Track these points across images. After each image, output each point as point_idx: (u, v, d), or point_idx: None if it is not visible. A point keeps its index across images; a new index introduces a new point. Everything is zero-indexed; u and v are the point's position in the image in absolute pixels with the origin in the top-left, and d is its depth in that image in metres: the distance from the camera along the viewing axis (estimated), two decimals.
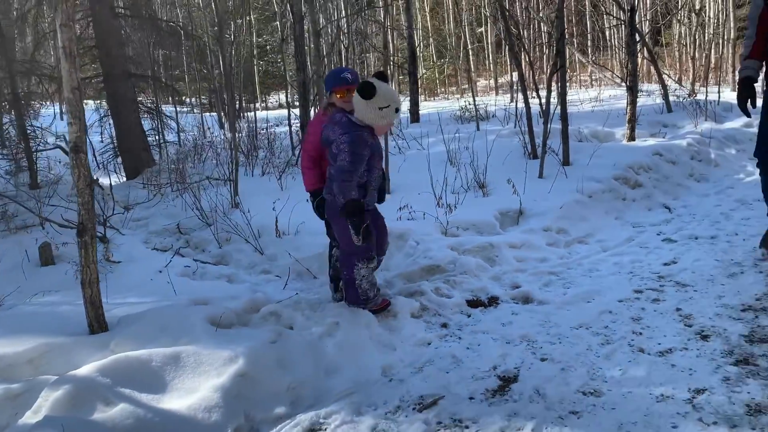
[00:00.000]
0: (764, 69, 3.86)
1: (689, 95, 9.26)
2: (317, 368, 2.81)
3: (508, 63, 16.92)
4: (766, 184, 3.92)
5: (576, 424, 2.39)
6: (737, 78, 4.06)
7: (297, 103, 13.11)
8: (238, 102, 12.30)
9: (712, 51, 12.01)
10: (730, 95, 9.22)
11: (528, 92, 6.78)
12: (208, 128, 10.73)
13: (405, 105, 9.16)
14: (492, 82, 17.57)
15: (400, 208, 4.74)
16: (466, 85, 16.19)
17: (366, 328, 3.14)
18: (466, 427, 2.44)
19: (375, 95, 2.97)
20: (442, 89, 20.11)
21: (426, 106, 13.36)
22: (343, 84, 3.23)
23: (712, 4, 12.75)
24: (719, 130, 7.28)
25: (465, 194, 5.34)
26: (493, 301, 3.64)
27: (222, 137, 10.13)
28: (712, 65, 11.36)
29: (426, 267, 3.97)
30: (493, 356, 2.96)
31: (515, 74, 13.74)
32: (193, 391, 2.53)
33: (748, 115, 3.99)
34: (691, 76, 10.58)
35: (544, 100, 6.14)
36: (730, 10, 12.43)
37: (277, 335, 2.92)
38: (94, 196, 3.03)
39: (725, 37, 12.11)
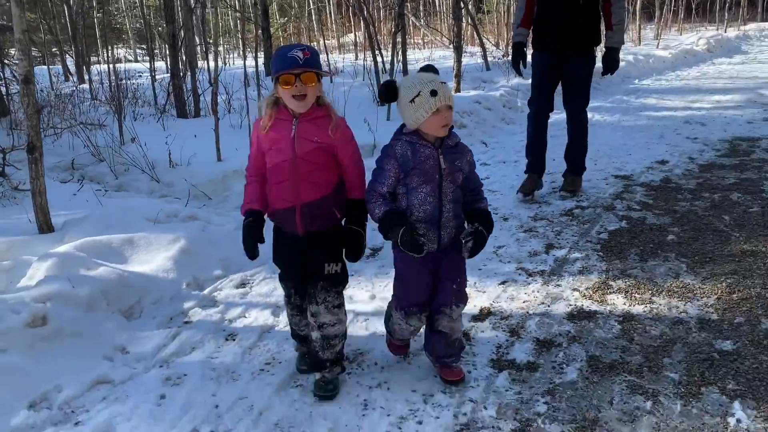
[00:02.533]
0: (531, 35, 4.69)
1: (503, 56, 10.98)
2: (238, 247, 3.77)
3: (352, 24, 17.99)
4: (532, 135, 4.78)
5: None
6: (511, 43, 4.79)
7: (147, 58, 13.15)
8: (83, 54, 12.18)
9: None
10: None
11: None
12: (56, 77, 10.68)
13: (255, 60, 9.88)
14: (335, 41, 18.57)
15: None
16: (314, 44, 17.06)
17: None
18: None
19: (398, 93, 2.28)
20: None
21: None
22: (293, 65, 2.15)
23: None
24: (525, 83, 8.97)
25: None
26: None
27: (75, 87, 10.21)
28: None
29: None
30: None
31: (359, 34, 14.84)
32: (150, 262, 3.40)
33: (521, 75, 4.87)
34: (505, 40, 12.41)
35: (387, 58, 7.32)
36: None
37: (204, 226, 3.83)
38: (40, 121, 3.67)
39: None
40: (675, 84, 11.05)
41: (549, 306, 3.15)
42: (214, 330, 2.99)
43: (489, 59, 10.51)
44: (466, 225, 2.43)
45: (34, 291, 2.81)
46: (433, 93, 2.20)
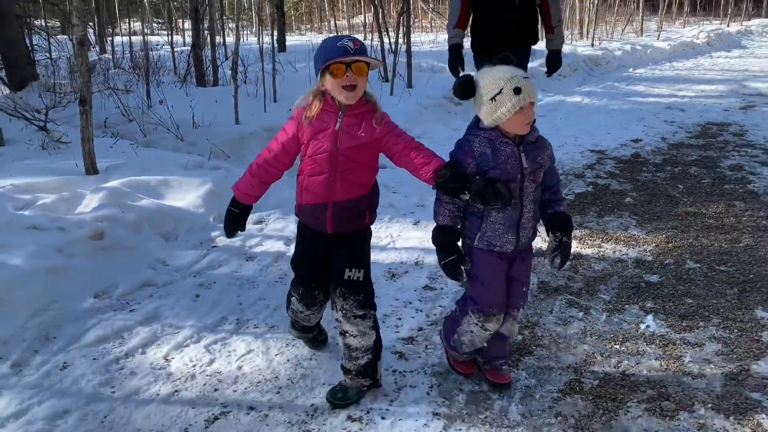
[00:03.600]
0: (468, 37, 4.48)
1: None
2: None
3: (362, 5, 18.50)
4: None
5: None
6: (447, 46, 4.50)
7: (162, 31, 13.65)
8: (103, 25, 12.78)
9: None
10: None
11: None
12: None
13: (270, 37, 10.45)
14: (345, 22, 19.09)
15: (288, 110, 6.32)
16: (324, 23, 17.61)
17: None
18: None
19: (476, 89, 2.12)
20: (297, 26, 21.30)
21: (290, 39, 14.66)
22: (344, 54, 2.05)
23: None
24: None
25: None
26: None
27: (98, 57, 10.82)
28: None
29: None
30: None
31: (369, 15, 15.36)
32: (182, 199, 4.05)
33: (458, 77, 4.43)
34: None
35: (393, 39, 7.90)
36: None
37: (226, 173, 4.47)
38: (90, 78, 4.30)
39: None
40: (667, 74, 11.59)
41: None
42: (237, 253, 3.65)
43: None
44: (544, 230, 2.32)
45: (92, 213, 3.47)
46: (517, 90, 2.02)
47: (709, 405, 2.33)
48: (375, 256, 2.90)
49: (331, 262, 2.30)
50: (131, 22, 16.24)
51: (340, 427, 2.24)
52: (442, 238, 2.19)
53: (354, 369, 2.32)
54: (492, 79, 2.07)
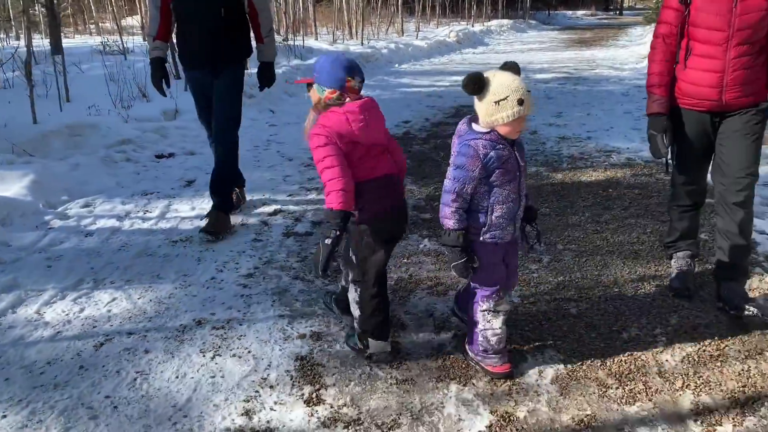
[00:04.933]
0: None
1: (284, 41, 12.37)
2: (77, 181, 4.72)
3: (138, 4, 18.05)
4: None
5: None
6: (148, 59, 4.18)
7: None
8: None
9: (295, 8, 15.49)
10: (311, 42, 12.71)
11: None
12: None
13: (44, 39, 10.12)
14: (115, 24, 18.47)
15: (88, 107, 6.50)
16: (90, 26, 16.93)
17: None
18: None
19: (485, 88, 2.26)
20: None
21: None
22: (355, 74, 2.46)
23: None
24: (304, 63, 10.47)
25: (134, 101, 7.28)
26: (171, 155, 5.89)
27: None
28: (299, 19, 14.83)
29: (120, 140, 5.95)
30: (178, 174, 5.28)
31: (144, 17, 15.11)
32: (8, 190, 4.25)
33: (164, 95, 4.14)
34: (285, 27, 13.86)
35: None
36: None
37: (43, 166, 4.69)
38: None
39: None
40: (427, 68, 13.37)
41: (323, 205, 4.63)
42: (74, 232, 4.01)
43: None
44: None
45: None
46: (520, 102, 2.22)
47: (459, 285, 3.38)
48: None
49: None
50: None
51: (208, 334, 2.88)
52: (455, 241, 2.38)
53: None
54: (502, 84, 2.24)
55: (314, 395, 2.46)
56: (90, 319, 3.00)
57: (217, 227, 3.98)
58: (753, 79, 2.96)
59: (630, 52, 15.83)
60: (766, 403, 2.39)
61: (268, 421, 2.31)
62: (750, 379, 2.53)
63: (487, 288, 2.51)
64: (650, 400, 2.42)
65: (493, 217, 2.40)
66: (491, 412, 2.35)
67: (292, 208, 4.57)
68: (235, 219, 4.30)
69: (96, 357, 2.71)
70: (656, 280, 3.40)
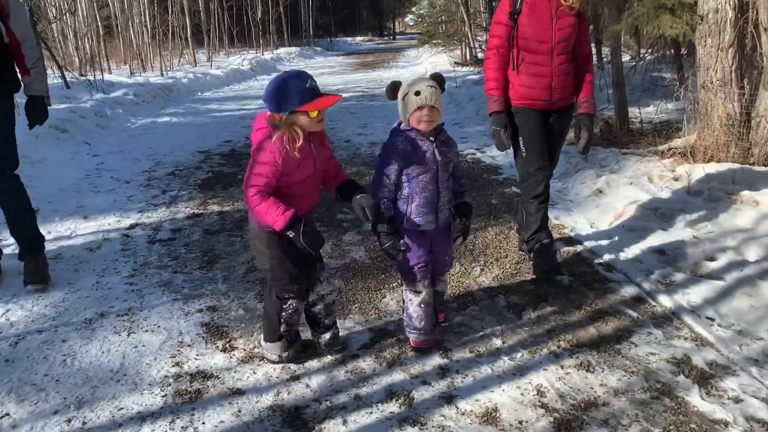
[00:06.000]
0: None
1: (81, 75, 12.10)
2: None
3: None
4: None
5: None
6: None
7: None
8: None
9: (87, 44, 15.09)
10: (109, 76, 12.58)
11: None
12: None
13: None
14: None
15: None
16: None
17: None
18: None
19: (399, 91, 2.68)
20: None
21: None
22: (317, 93, 2.47)
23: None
24: (109, 97, 10.46)
25: None
26: None
27: None
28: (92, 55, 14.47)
29: None
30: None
31: None
32: None
33: None
34: (80, 62, 13.51)
35: None
36: (96, 11, 15.75)
37: None
38: None
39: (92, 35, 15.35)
40: (230, 94, 13.89)
41: (174, 216, 5.07)
42: None
43: (68, 79, 11.54)
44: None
45: None
46: (417, 93, 2.56)
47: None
48: None
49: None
50: None
51: (115, 321, 3.29)
52: (381, 226, 2.65)
53: (333, 320, 2.92)
54: (404, 84, 2.67)
55: (227, 345, 3.04)
56: None
57: (40, 273, 3.75)
58: (570, 83, 3.57)
59: (411, 71, 17.75)
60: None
61: (197, 367, 2.86)
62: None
63: (408, 271, 2.79)
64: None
65: (413, 206, 2.70)
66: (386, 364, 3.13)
67: (146, 221, 4.94)
68: (96, 236, 4.60)
69: (17, 352, 3.01)
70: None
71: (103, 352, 2.99)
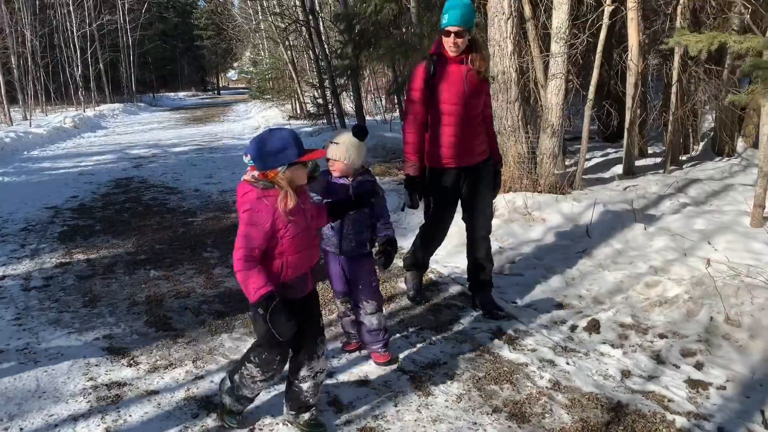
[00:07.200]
0: None
1: None
2: None
3: None
4: None
5: None
6: None
7: None
8: None
9: None
10: None
11: None
12: None
13: None
14: None
15: None
16: None
17: None
18: None
19: None
20: None
21: None
22: (302, 150, 2.48)
23: None
24: None
25: None
26: None
27: None
28: None
29: None
30: None
31: None
32: None
33: None
34: None
35: None
36: None
37: None
38: None
39: None
40: (59, 153, 13.56)
41: (42, 266, 5.27)
42: None
43: None
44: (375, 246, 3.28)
45: None
46: (326, 147, 3.13)
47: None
48: None
49: (307, 322, 2.68)
50: None
51: (15, 355, 3.59)
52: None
53: (318, 400, 2.84)
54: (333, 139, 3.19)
55: (132, 361, 3.51)
56: None
57: None
58: (482, 141, 3.82)
59: (243, 125, 18.43)
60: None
61: (110, 379, 3.31)
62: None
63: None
64: None
65: (324, 232, 3.23)
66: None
67: (14, 272, 5.11)
68: None
69: None
70: None
71: (15, 380, 3.31)
